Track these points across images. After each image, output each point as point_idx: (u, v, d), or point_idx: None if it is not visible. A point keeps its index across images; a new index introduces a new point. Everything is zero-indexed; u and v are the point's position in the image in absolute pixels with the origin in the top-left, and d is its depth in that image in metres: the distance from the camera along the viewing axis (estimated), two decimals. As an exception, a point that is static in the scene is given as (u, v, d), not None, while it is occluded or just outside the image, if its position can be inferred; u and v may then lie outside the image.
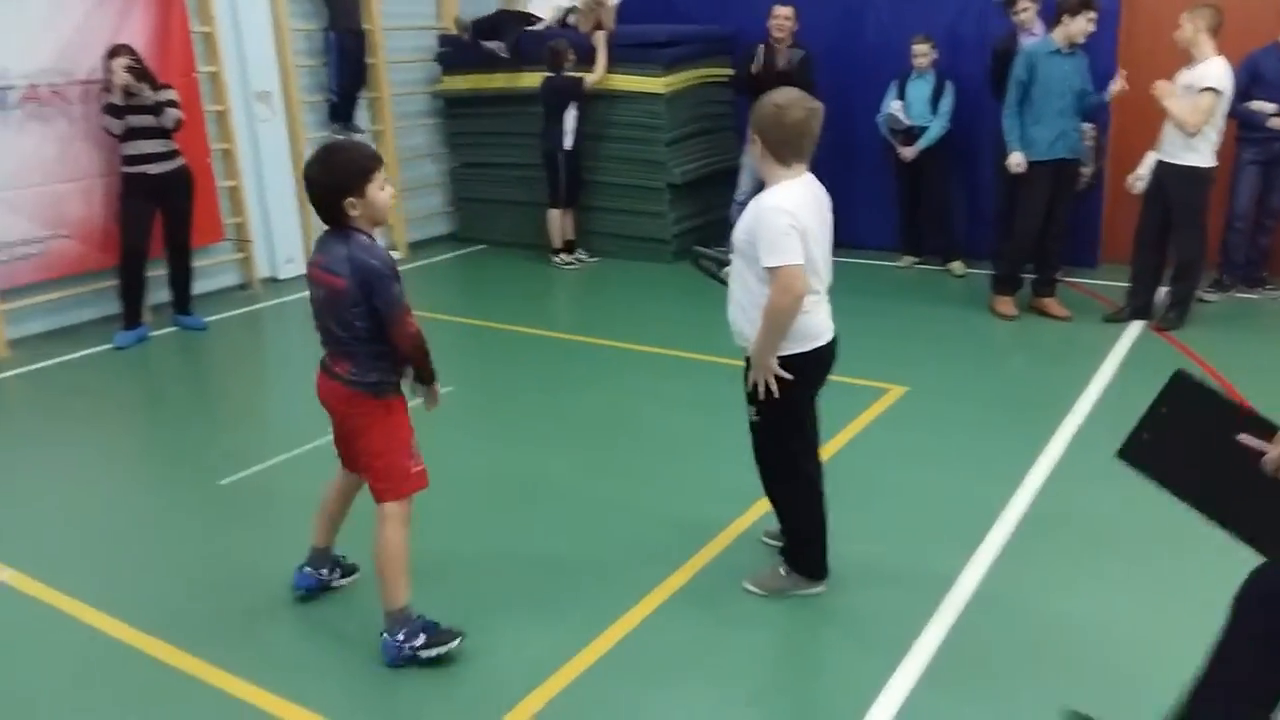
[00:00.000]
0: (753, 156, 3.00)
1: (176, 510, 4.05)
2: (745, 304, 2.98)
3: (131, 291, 6.14)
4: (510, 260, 8.14)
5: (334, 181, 2.75)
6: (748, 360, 3.02)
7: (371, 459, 2.94)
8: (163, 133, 6.05)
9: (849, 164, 7.66)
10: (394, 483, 2.92)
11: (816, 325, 2.98)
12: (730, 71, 7.70)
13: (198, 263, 6.73)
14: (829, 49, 7.45)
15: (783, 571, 3.23)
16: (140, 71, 5.94)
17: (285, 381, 5.80)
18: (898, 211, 7.46)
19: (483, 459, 4.37)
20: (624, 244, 7.91)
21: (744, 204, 7.36)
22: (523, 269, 7.87)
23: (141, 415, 5.36)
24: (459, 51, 8.31)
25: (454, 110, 8.66)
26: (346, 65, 7.69)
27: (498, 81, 8.10)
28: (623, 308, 6.93)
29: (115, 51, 5.91)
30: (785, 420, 3.06)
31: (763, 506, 3.47)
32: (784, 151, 2.90)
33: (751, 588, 3.23)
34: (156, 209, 6.17)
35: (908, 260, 7.46)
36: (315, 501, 3.27)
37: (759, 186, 7.61)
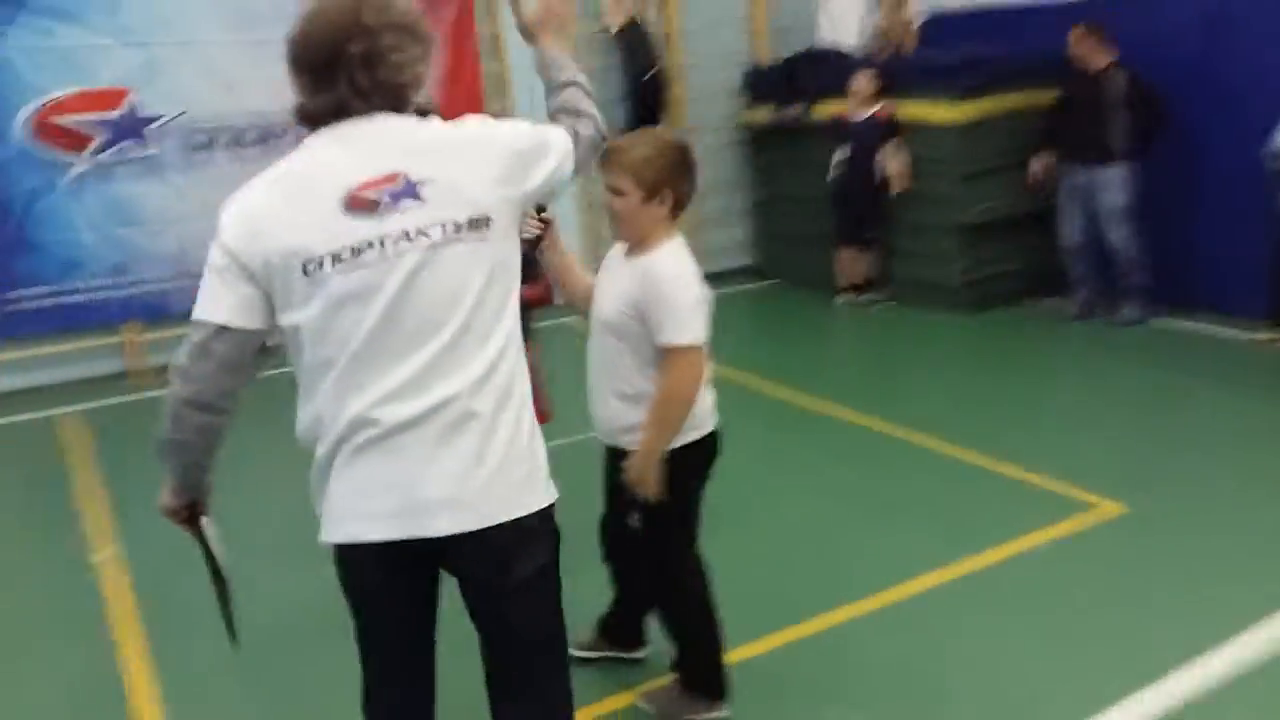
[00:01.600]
0: (626, 212, 2.43)
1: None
2: (609, 390, 2.51)
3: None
4: (796, 298, 7.67)
5: None
6: (613, 455, 2.58)
7: None
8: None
9: (1202, 208, 6.21)
10: None
11: (706, 409, 2.56)
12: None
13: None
14: (1185, 63, 6.05)
15: (676, 693, 2.72)
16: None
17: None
18: (1270, 270, 5.83)
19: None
20: (916, 289, 7.07)
21: (1073, 247, 6.37)
22: (801, 308, 7.41)
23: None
24: (765, 83, 8.01)
25: (759, 141, 8.35)
26: (637, 108, 7.71)
27: (827, 109, 7.58)
28: (867, 365, 6.18)
29: None
30: (682, 519, 2.62)
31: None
32: (683, 207, 2.45)
33: (644, 705, 2.75)
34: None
35: (1267, 335, 5.80)
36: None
37: (1090, 226, 6.44)
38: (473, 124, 1.79)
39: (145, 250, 6.24)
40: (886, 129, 6.81)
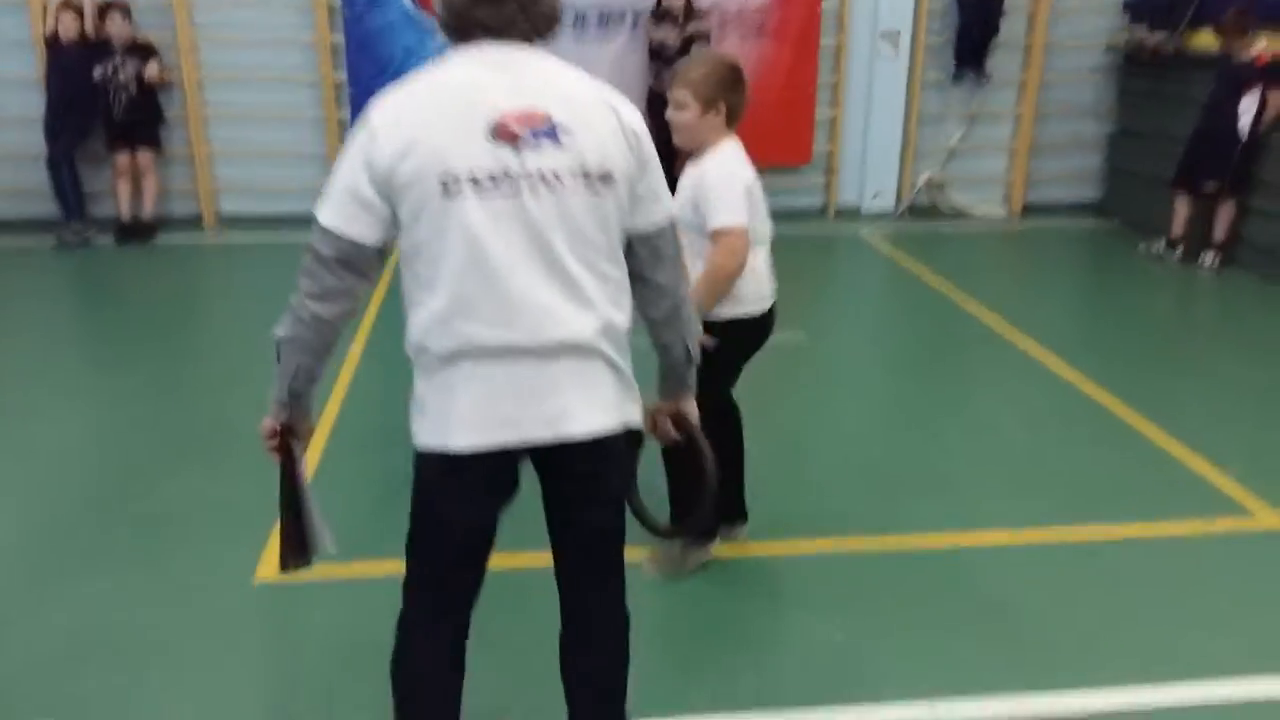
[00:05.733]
0: (689, 122, 2.71)
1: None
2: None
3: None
4: (1126, 246, 6.99)
5: None
6: None
7: None
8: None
9: None
10: None
11: (764, 290, 2.86)
12: None
13: (779, 181, 7.39)
14: None
15: (675, 549, 3.01)
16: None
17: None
18: None
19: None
20: (1268, 257, 6.19)
21: None
22: (1124, 257, 6.78)
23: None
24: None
25: (1132, 67, 7.56)
26: (964, 12, 7.42)
27: (1203, 40, 6.80)
28: (1144, 335, 5.57)
29: None
30: (723, 378, 2.92)
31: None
32: (736, 118, 2.75)
33: (650, 571, 3.00)
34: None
35: None
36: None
37: None
38: (607, 89, 1.84)
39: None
40: (1267, 72, 5.95)
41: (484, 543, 1.89)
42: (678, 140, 2.75)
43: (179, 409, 4.20)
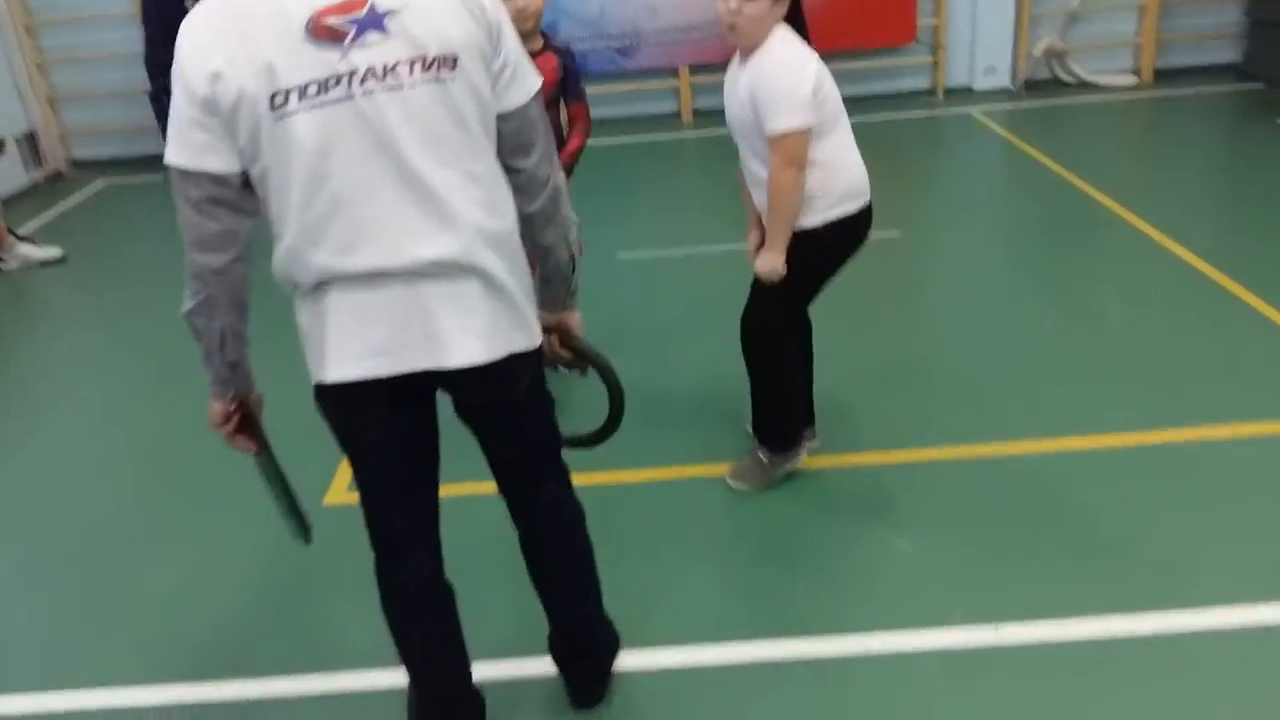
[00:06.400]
0: (759, 13, 2.44)
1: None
2: (754, 188, 2.71)
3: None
4: (1267, 113, 6.33)
5: None
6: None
7: None
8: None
9: None
10: None
11: (854, 184, 2.63)
12: None
13: (882, 62, 6.99)
14: None
15: (763, 458, 2.91)
16: None
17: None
18: None
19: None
20: None
21: None
22: (1262, 127, 6.13)
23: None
24: None
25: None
26: None
27: None
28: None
29: None
30: (804, 284, 2.72)
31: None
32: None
33: (733, 483, 2.93)
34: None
35: None
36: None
37: None
38: None
39: (567, 10, 6.94)
40: None
41: (409, 465, 1.81)
42: (738, 41, 2.52)
43: (269, 332, 4.31)
